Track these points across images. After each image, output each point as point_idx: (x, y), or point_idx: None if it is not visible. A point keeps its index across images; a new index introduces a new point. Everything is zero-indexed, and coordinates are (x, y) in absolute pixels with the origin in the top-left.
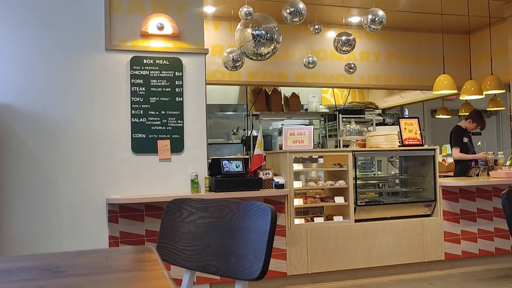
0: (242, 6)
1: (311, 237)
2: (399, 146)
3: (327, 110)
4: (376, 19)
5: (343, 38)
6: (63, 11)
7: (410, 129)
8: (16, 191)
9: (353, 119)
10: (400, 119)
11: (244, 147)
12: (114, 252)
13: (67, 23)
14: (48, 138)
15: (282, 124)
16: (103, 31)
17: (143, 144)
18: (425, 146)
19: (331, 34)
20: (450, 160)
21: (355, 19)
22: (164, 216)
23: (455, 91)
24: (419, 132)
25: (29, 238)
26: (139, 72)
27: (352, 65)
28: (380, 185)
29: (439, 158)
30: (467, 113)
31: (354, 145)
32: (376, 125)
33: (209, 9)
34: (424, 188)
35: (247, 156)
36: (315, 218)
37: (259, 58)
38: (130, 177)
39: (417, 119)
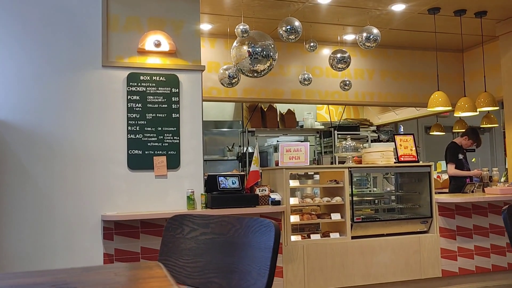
0: (238, 24)
1: (307, 254)
2: (394, 162)
3: (323, 127)
4: (371, 37)
5: (338, 55)
6: (61, 28)
7: (406, 145)
8: (10, 207)
9: (348, 136)
10: (395, 136)
11: (240, 163)
12: (122, 268)
13: (64, 40)
14: (43, 154)
15: (277, 141)
16: (100, 48)
17: (139, 161)
18: (421, 163)
19: (326, 51)
20: (445, 176)
21: (350, 37)
22: (165, 233)
23: (450, 108)
24: (415, 148)
25: (23, 256)
26: (136, 89)
27: (347, 82)
28: (376, 201)
29: (434, 175)
30: (461, 130)
31: (350, 161)
32: (371, 141)
33: (205, 27)
34: (420, 204)
35: (243, 173)
36: (311, 235)
37: (255, 75)
38: (125, 193)
39: (412, 136)
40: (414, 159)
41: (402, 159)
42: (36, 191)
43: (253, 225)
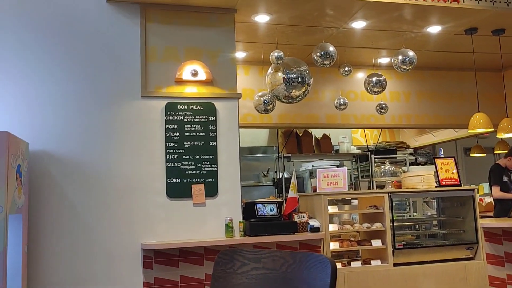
0: (272, 51)
1: (349, 282)
2: (436, 186)
3: (359, 151)
4: (407, 60)
5: (374, 79)
6: (102, 61)
7: (447, 168)
8: (50, 235)
9: (386, 160)
10: (435, 159)
11: (276, 189)
12: None
13: (105, 72)
14: (84, 183)
15: (312, 165)
16: (139, 78)
17: (177, 189)
18: (464, 186)
19: (361, 75)
20: (487, 199)
21: (384, 60)
22: (215, 267)
23: (491, 129)
24: (456, 171)
25: (63, 285)
26: (174, 118)
27: (384, 106)
28: (417, 226)
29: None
30: (504, 151)
31: (390, 186)
32: (409, 164)
33: (240, 54)
34: (464, 229)
35: (280, 199)
36: (352, 262)
37: (290, 101)
38: (164, 222)
39: (453, 159)
40: (456, 182)
41: (444, 182)
42: (77, 219)
43: (307, 260)
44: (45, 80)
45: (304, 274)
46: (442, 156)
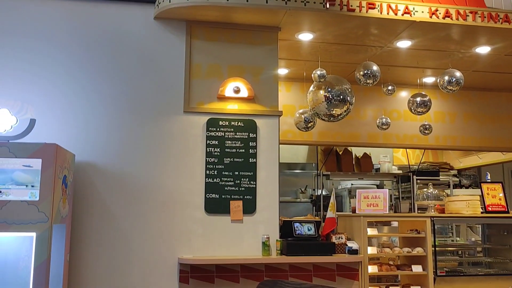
0: (314, 67)
1: None
2: (482, 212)
3: (400, 171)
4: (453, 80)
5: (418, 99)
6: (147, 78)
7: (494, 194)
8: (92, 248)
9: (430, 182)
10: (482, 184)
11: (314, 207)
12: None
13: (149, 87)
14: (126, 195)
15: (352, 184)
16: (182, 94)
17: (216, 205)
18: None
19: (404, 94)
20: None
21: (429, 79)
22: None
23: None
24: (504, 197)
25: None
26: (215, 133)
27: (428, 126)
28: (460, 252)
29: None
30: None
31: (432, 210)
32: (453, 187)
33: (282, 71)
34: (511, 259)
35: (319, 219)
36: (390, 287)
37: (332, 119)
38: (202, 237)
39: (500, 184)
40: (503, 209)
41: (490, 209)
42: (117, 231)
43: None
44: (92, 94)
45: None
46: (489, 181)
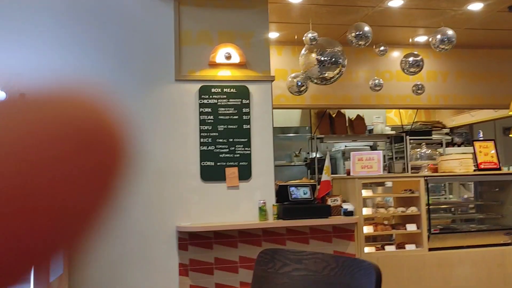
0: (305, 30)
1: (382, 266)
2: (474, 170)
3: (393, 132)
4: (446, 39)
5: (411, 59)
6: (136, 44)
7: (486, 152)
8: None
9: (423, 142)
10: (474, 142)
11: (308, 170)
12: None
13: (139, 56)
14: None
15: (345, 146)
16: (173, 62)
17: (211, 172)
18: (504, 170)
19: (396, 54)
20: None
21: (421, 38)
22: (256, 266)
23: None
24: (496, 155)
25: (102, 266)
26: (208, 101)
27: (420, 86)
28: (453, 210)
29: None
30: None
31: (426, 170)
32: (446, 145)
33: (272, 35)
34: (502, 214)
35: (314, 182)
36: (385, 247)
37: (324, 82)
38: (199, 205)
39: (493, 142)
40: (495, 166)
41: (483, 166)
42: (114, 201)
43: (350, 265)
44: (81, 64)
45: (347, 279)
46: (481, 139)
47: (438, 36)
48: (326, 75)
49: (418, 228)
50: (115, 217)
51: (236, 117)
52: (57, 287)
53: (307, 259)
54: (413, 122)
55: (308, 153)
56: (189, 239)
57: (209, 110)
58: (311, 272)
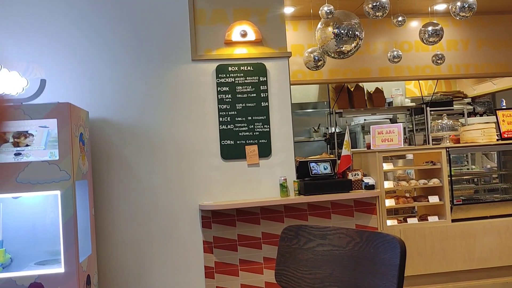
0: (321, 4)
1: (405, 238)
2: (497, 140)
3: (413, 104)
4: (466, 6)
5: (430, 28)
6: (152, 27)
7: (509, 120)
8: (115, 201)
9: (443, 112)
10: (497, 111)
11: (328, 145)
12: None
13: (155, 38)
14: (143, 148)
15: (365, 119)
16: (189, 42)
17: (231, 151)
18: None
19: (415, 24)
20: None
21: (441, 7)
22: (280, 243)
23: None
24: None
25: (129, 245)
26: (225, 80)
27: (440, 56)
28: (476, 180)
29: None
30: None
31: (447, 141)
32: (467, 115)
33: (288, 10)
34: None
35: (334, 157)
36: (408, 219)
37: (342, 56)
38: (220, 183)
39: None
40: None
41: (506, 135)
42: (137, 182)
43: (374, 239)
44: (101, 51)
45: (372, 253)
46: (504, 107)
47: (458, 3)
48: (343, 48)
49: (440, 199)
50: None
51: (254, 95)
52: (86, 266)
53: (331, 235)
54: (433, 93)
55: (327, 128)
56: (212, 217)
57: (227, 89)
58: (335, 247)
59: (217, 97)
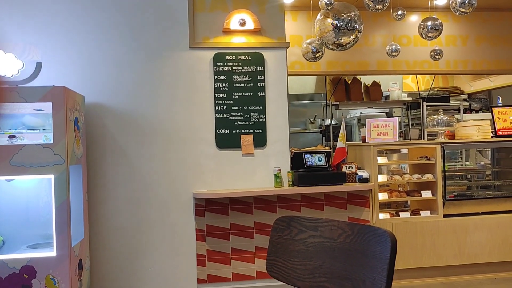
0: None
1: (396, 232)
2: (492, 137)
3: (410, 98)
4: (466, 1)
5: (429, 23)
6: (150, 12)
7: (505, 118)
8: (109, 186)
9: (440, 108)
10: (493, 108)
11: (323, 137)
12: None
13: (153, 24)
14: (138, 135)
15: (361, 112)
16: (187, 29)
17: (227, 140)
18: None
19: (414, 18)
20: None
21: (441, 1)
22: (272, 233)
23: None
24: None
25: (121, 231)
26: (222, 68)
27: (439, 51)
28: (469, 176)
29: None
30: None
31: (442, 136)
32: (463, 111)
33: (287, 0)
34: None
35: (329, 149)
36: (400, 213)
37: (340, 48)
38: (214, 172)
39: None
40: None
41: (501, 133)
42: (131, 169)
43: (365, 233)
44: (98, 36)
45: (363, 246)
46: (500, 105)
47: None
48: (342, 41)
49: (433, 194)
50: (134, 184)
51: (251, 84)
52: (78, 251)
53: (323, 227)
54: (430, 88)
55: (323, 120)
56: (205, 206)
57: (224, 77)
58: (326, 239)
59: (214, 85)
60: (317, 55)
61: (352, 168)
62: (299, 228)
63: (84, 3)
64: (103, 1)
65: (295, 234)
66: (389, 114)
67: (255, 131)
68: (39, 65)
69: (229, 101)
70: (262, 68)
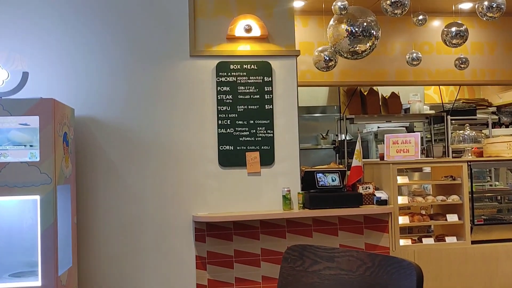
0: None
1: (419, 260)
2: None
3: (432, 111)
4: (494, 6)
5: (453, 29)
6: (147, 17)
7: None
8: (100, 209)
9: (466, 122)
10: None
11: (337, 154)
12: None
13: (150, 30)
14: (131, 151)
15: (378, 127)
16: (187, 36)
17: (230, 157)
18: None
19: (437, 23)
20: None
21: (466, 6)
22: (283, 264)
23: None
24: None
25: (113, 258)
26: (226, 79)
27: (464, 60)
28: (499, 198)
29: None
30: None
31: (469, 153)
32: (492, 126)
33: (297, 4)
34: None
35: (343, 168)
36: (423, 239)
37: (355, 56)
38: (217, 192)
39: None
40: None
41: None
42: (125, 189)
43: (388, 264)
44: (89, 43)
45: (385, 279)
46: None
47: (485, 3)
48: (357, 48)
49: (459, 218)
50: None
51: (257, 96)
52: (66, 280)
53: (339, 257)
54: (455, 100)
55: (336, 135)
56: (206, 230)
57: (228, 89)
58: (344, 272)
59: (217, 97)
60: (330, 64)
61: (369, 188)
62: (313, 259)
63: (76, 7)
64: (97, 5)
65: (309, 265)
66: (410, 129)
67: (262, 147)
68: (25, 75)
69: (233, 115)
70: (270, 79)
